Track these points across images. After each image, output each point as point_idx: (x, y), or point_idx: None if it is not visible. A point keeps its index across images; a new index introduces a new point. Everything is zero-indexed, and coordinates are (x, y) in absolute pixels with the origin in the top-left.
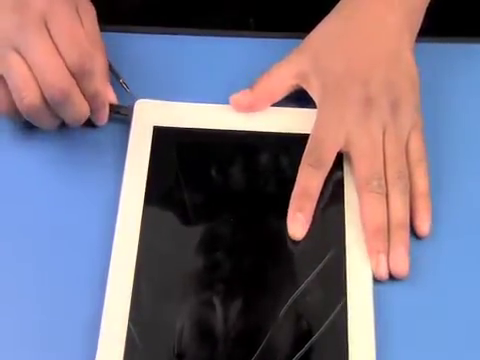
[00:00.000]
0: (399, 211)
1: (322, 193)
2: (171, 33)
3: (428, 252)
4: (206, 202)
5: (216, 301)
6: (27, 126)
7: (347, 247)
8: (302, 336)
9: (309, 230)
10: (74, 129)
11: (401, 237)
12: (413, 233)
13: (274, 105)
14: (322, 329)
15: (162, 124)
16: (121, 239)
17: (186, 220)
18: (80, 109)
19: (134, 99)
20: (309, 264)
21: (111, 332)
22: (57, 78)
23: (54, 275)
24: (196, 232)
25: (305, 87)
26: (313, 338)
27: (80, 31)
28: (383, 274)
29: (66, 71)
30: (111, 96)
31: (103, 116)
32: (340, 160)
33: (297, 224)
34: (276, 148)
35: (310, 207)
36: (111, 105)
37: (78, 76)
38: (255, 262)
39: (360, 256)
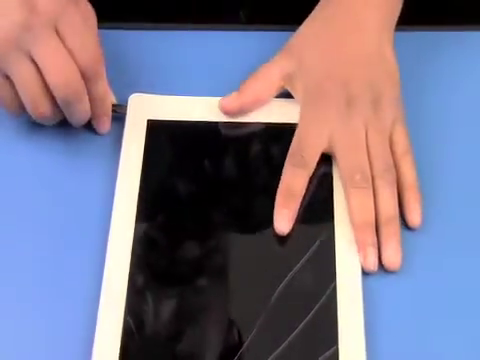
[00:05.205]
0: (388, 203)
1: (310, 184)
2: (163, 29)
3: (418, 242)
4: (200, 193)
5: (209, 289)
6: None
7: (336, 232)
8: (292, 321)
9: (298, 219)
10: (68, 122)
11: (392, 230)
12: (404, 225)
13: None
14: (312, 314)
15: (156, 117)
16: (116, 231)
17: (180, 212)
18: (87, 110)
19: (128, 94)
20: (299, 250)
21: (108, 322)
22: (71, 79)
23: (50, 266)
24: (190, 222)
25: (290, 89)
26: (303, 323)
27: (93, 33)
28: (371, 266)
29: (79, 72)
30: (112, 97)
31: (107, 123)
32: (330, 157)
33: (283, 219)
34: (269, 139)
35: (295, 205)
36: None
37: (89, 78)
38: (247, 250)
39: (349, 240)
